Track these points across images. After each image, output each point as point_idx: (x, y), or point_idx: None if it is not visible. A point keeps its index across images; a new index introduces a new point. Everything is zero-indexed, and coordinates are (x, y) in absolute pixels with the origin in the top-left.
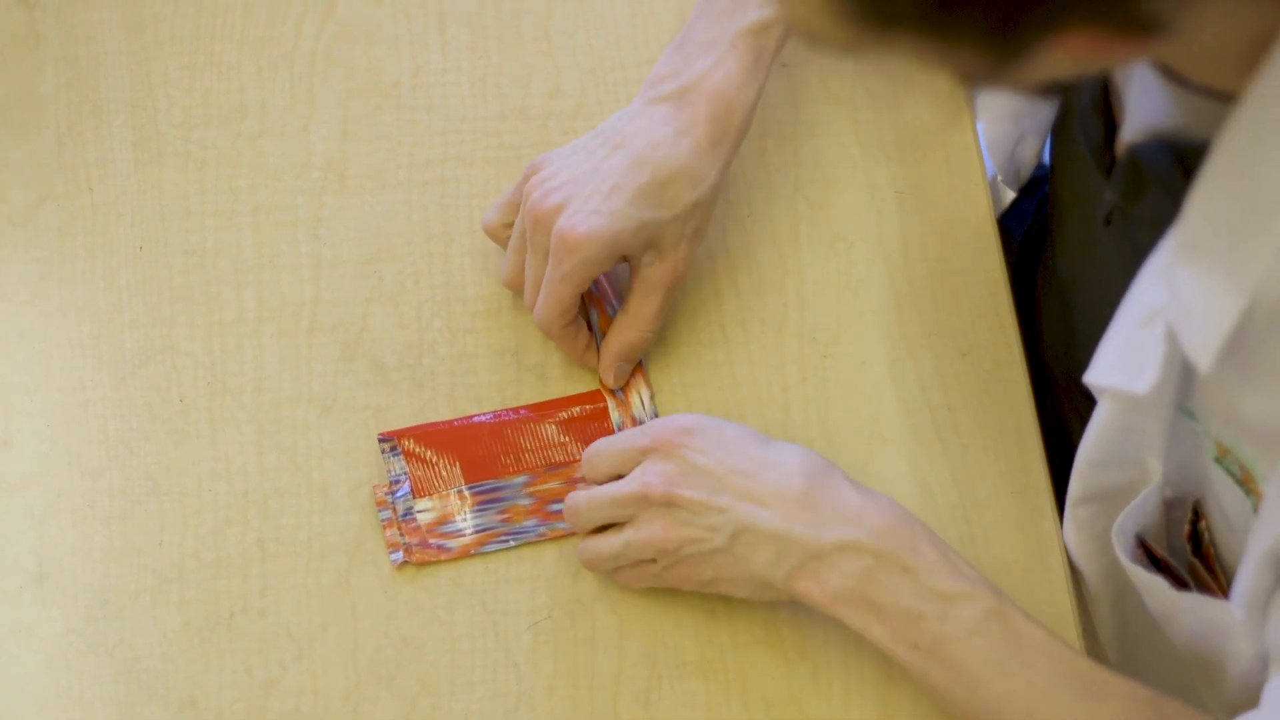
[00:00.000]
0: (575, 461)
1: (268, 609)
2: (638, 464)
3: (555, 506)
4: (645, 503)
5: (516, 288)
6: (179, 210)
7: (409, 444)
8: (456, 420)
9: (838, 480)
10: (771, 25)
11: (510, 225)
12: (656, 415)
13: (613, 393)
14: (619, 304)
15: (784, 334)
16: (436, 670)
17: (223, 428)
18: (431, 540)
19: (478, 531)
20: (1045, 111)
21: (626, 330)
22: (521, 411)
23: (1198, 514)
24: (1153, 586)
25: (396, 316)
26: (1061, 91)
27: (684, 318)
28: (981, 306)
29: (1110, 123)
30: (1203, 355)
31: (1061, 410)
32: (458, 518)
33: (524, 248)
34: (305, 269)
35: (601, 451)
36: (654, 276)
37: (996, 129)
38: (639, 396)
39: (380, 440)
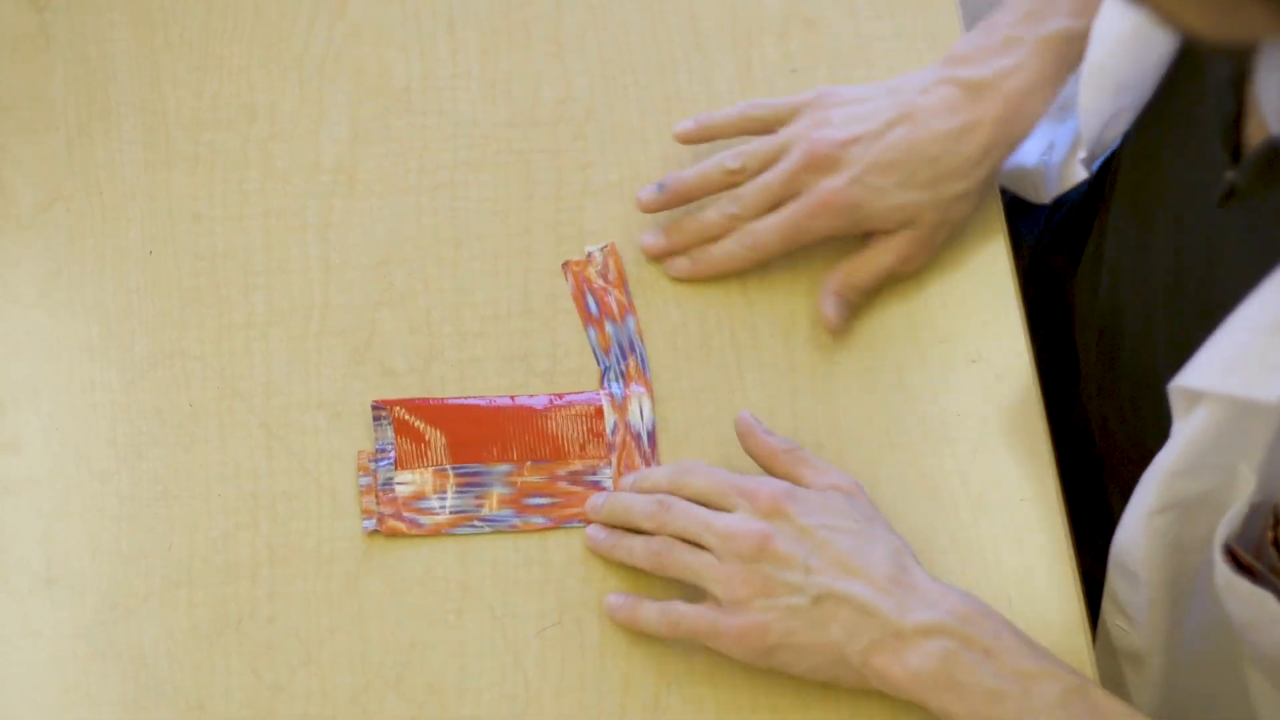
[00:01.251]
0: (561, 458)
1: (276, 613)
2: (731, 502)
3: (533, 500)
4: (733, 544)
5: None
6: (188, 213)
7: (400, 413)
8: (451, 399)
9: (920, 570)
10: (1079, 36)
11: (745, 128)
12: (654, 426)
13: (611, 397)
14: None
15: (793, 341)
16: (445, 674)
17: (232, 431)
18: (405, 514)
19: (453, 513)
20: (1146, 89)
21: (851, 269)
22: (517, 400)
23: (1277, 518)
24: (1252, 599)
25: (406, 321)
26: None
27: (693, 323)
28: (992, 313)
29: (1240, 101)
30: None
31: (1086, 416)
32: (435, 496)
33: (770, 154)
34: (315, 273)
35: (696, 471)
36: (895, 243)
37: (1095, 100)
38: (638, 405)
39: (374, 408)
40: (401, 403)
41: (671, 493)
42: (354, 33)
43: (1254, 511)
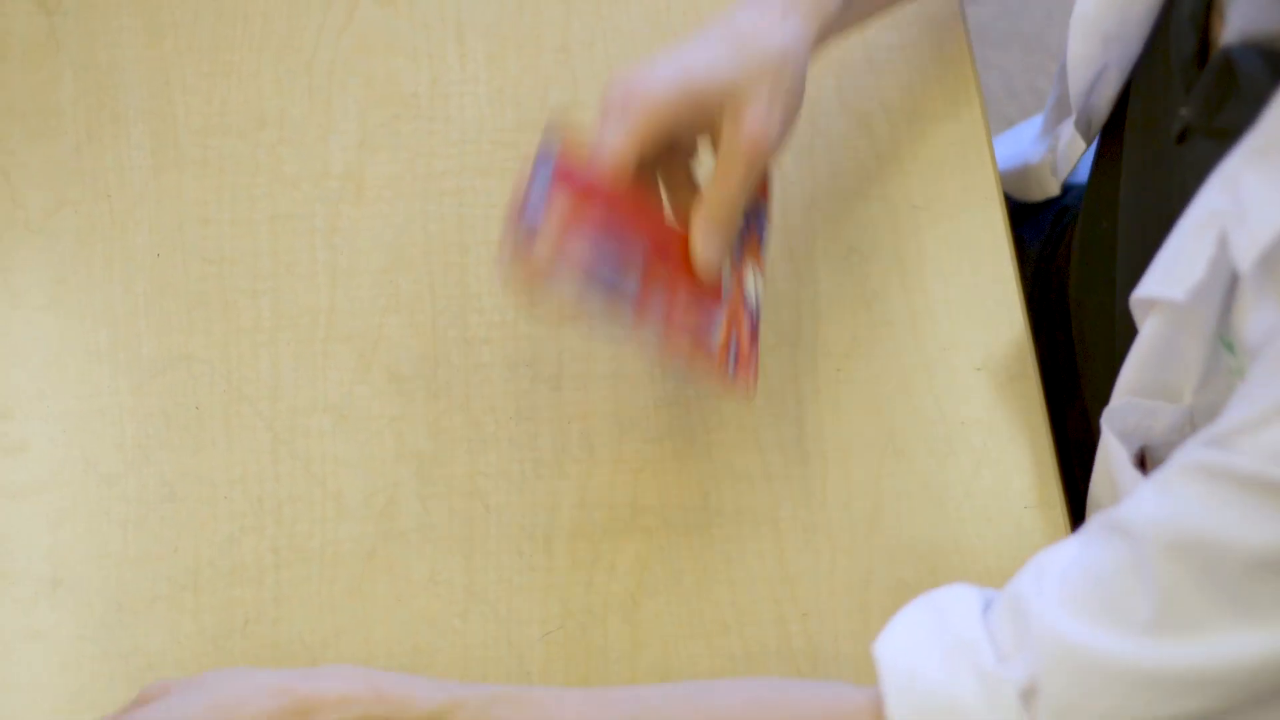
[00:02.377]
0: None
1: (281, 616)
2: None
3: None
4: None
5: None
6: (197, 218)
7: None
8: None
9: (280, 676)
10: None
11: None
12: (759, 309)
13: (731, 258)
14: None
15: (798, 347)
16: (449, 678)
17: (238, 435)
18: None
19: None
20: (1133, 42)
21: (707, 198)
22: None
23: None
24: (1118, 460)
25: (412, 326)
26: None
27: None
28: (996, 321)
29: (1204, 40)
30: (1247, 253)
31: (1089, 425)
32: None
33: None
34: (322, 278)
35: None
36: (733, 142)
37: (1083, 48)
38: (753, 276)
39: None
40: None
41: None
42: (362, 39)
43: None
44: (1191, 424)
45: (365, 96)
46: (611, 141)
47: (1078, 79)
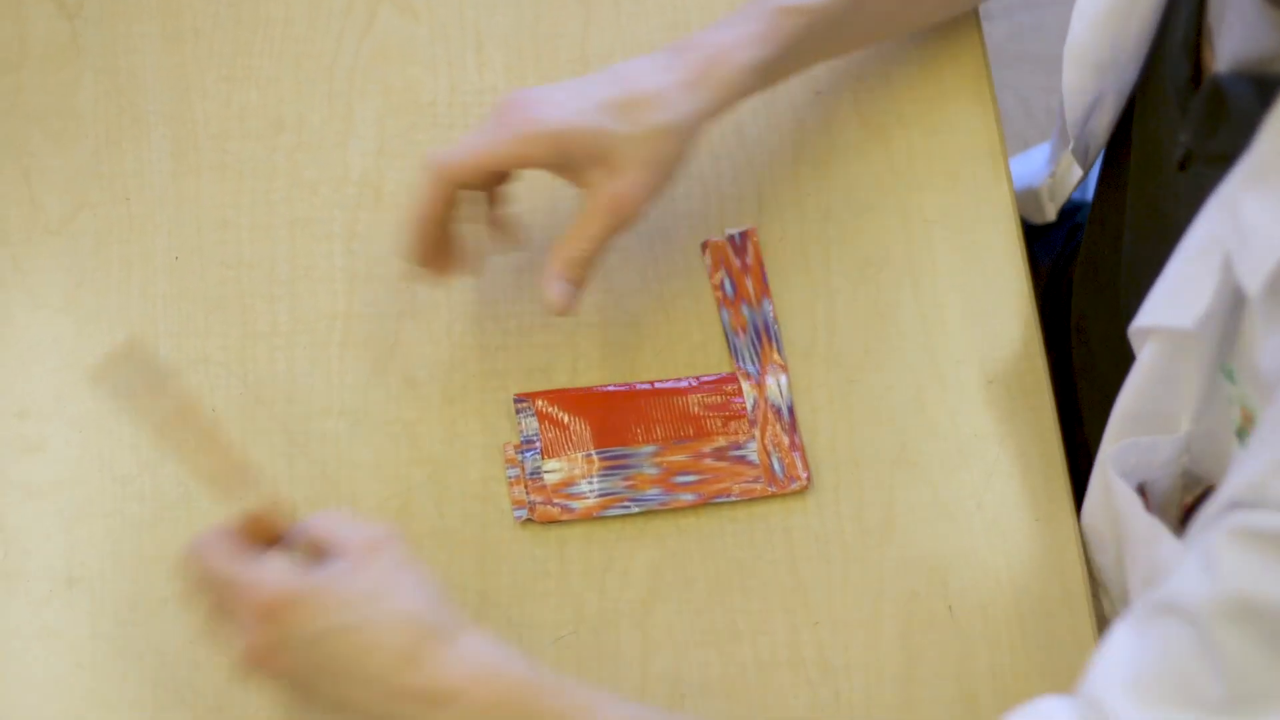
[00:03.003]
0: (705, 435)
1: None
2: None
3: (680, 478)
4: (253, 662)
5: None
6: (215, 221)
7: (542, 405)
8: (592, 387)
9: (433, 647)
10: (802, 10)
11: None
12: (792, 403)
13: (748, 375)
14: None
15: (812, 358)
16: None
17: (254, 438)
18: (556, 500)
19: (601, 495)
20: (1127, 70)
21: (564, 245)
22: (656, 384)
23: (1204, 497)
24: (1129, 505)
25: (428, 332)
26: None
27: (714, 340)
28: (1009, 335)
29: (1197, 67)
30: (1254, 278)
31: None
32: (583, 481)
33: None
34: (339, 283)
35: (193, 567)
36: (600, 197)
37: (1076, 78)
38: (776, 382)
39: (516, 401)
40: (543, 395)
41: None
42: (382, 47)
43: (1187, 481)
44: (1189, 452)
45: (384, 104)
46: (473, 143)
47: (1073, 107)
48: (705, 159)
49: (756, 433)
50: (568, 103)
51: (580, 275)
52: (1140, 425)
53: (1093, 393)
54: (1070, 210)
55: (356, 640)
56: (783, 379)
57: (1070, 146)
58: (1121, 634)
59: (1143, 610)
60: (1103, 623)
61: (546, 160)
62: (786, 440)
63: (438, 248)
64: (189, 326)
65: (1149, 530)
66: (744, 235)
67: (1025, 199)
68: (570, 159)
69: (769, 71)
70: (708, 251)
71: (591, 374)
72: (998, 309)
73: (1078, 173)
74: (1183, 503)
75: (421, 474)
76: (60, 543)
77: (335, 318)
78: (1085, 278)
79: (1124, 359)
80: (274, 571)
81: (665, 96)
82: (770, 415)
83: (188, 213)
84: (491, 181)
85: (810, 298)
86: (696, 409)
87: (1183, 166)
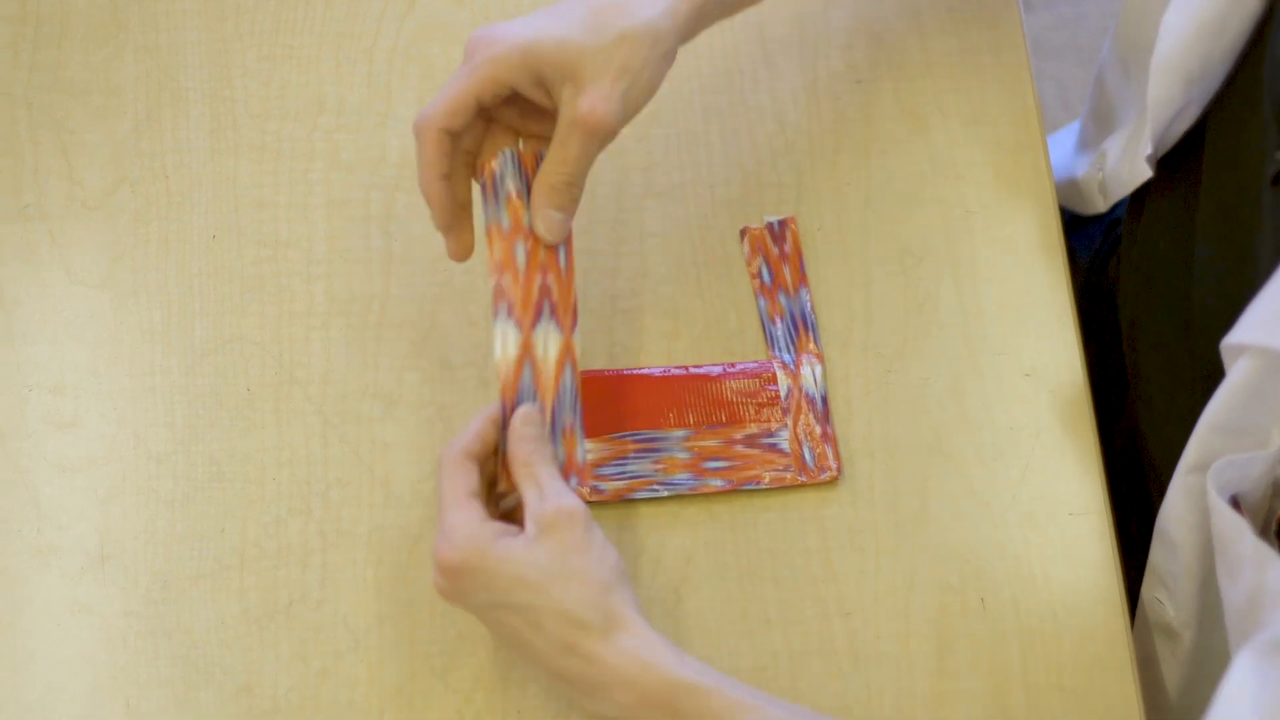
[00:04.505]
0: (738, 422)
1: (326, 599)
2: None
3: (710, 464)
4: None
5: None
6: (253, 201)
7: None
8: (626, 370)
9: (600, 633)
10: None
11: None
12: (827, 392)
13: (784, 364)
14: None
15: (849, 348)
16: (491, 666)
17: (288, 418)
18: (588, 481)
19: (631, 478)
20: (1215, 80)
21: (545, 173)
22: (691, 369)
23: None
24: (1233, 528)
25: (464, 315)
26: None
27: (751, 328)
28: (1047, 328)
29: None
30: None
31: (1137, 438)
32: (614, 463)
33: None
34: (376, 264)
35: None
36: (570, 114)
37: (1165, 92)
38: (811, 371)
39: None
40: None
41: None
42: (422, 29)
43: (1276, 484)
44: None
45: (424, 85)
46: (448, 86)
47: (1159, 118)
48: (745, 146)
49: (789, 421)
50: (533, 21)
51: (566, 201)
52: (1229, 438)
53: (1149, 388)
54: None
55: (520, 621)
56: (818, 368)
57: (1148, 154)
58: (1241, 673)
59: (1262, 649)
60: (1144, 621)
61: (519, 79)
62: (819, 430)
63: (458, 210)
64: (225, 305)
65: (1255, 553)
66: (783, 223)
67: (1067, 188)
68: (540, 76)
69: None
70: (746, 239)
71: (627, 359)
72: (1036, 302)
73: (1146, 173)
74: (1271, 509)
75: None
76: (93, 519)
77: (372, 299)
78: (1137, 281)
79: (1180, 365)
80: (464, 528)
81: (629, 3)
82: (804, 404)
83: (226, 191)
84: (479, 123)
85: (848, 287)
86: (730, 395)
87: (1275, 181)
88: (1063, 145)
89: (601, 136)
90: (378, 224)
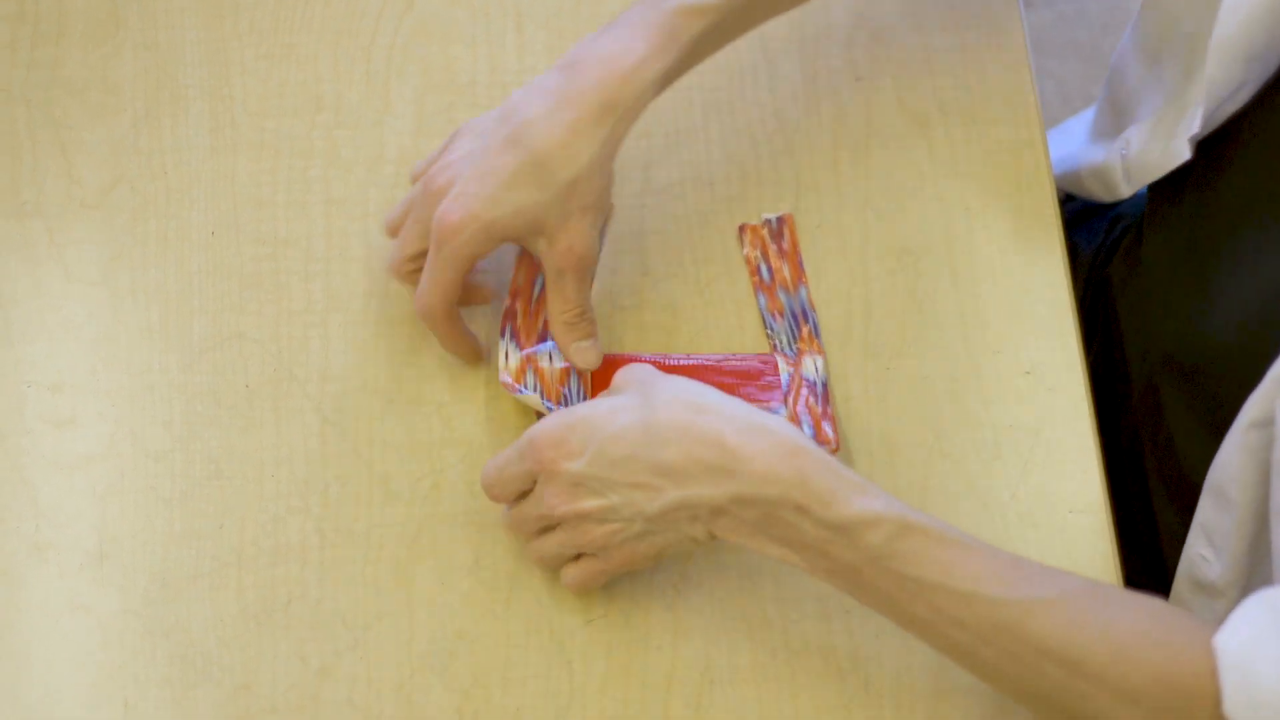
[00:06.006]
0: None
1: (324, 597)
2: (534, 481)
3: None
4: (559, 522)
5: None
6: (252, 198)
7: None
8: (622, 354)
9: (716, 425)
10: (704, 11)
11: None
12: (828, 380)
13: (785, 356)
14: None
15: (848, 345)
16: (490, 664)
17: (287, 415)
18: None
19: None
20: (1272, 62)
21: (556, 316)
22: (693, 358)
23: None
24: None
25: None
26: None
27: (751, 325)
28: (1046, 326)
29: None
30: None
31: (1135, 427)
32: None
33: (412, 219)
34: (375, 261)
35: (497, 479)
36: (552, 263)
37: (1224, 70)
38: (812, 362)
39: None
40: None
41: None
42: (422, 27)
43: None
44: None
45: (422, 83)
46: (434, 281)
47: (1213, 99)
48: (745, 144)
49: (789, 400)
50: (480, 193)
51: (585, 330)
52: None
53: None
54: (1110, 204)
55: (636, 440)
56: (819, 360)
57: (1192, 134)
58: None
59: None
60: (1182, 580)
61: (492, 248)
62: (820, 409)
63: (462, 337)
64: (224, 303)
65: None
66: (781, 220)
67: (1084, 177)
68: (508, 238)
69: (669, 79)
70: (745, 235)
71: (627, 354)
72: (1036, 300)
73: (1182, 156)
74: None
75: (454, 455)
76: (91, 517)
77: (370, 296)
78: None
79: (1215, 345)
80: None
81: (570, 147)
82: (803, 388)
83: (224, 189)
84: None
85: (848, 285)
86: (729, 380)
87: None
88: (1073, 134)
89: (589, 268)
90: (376, 221)
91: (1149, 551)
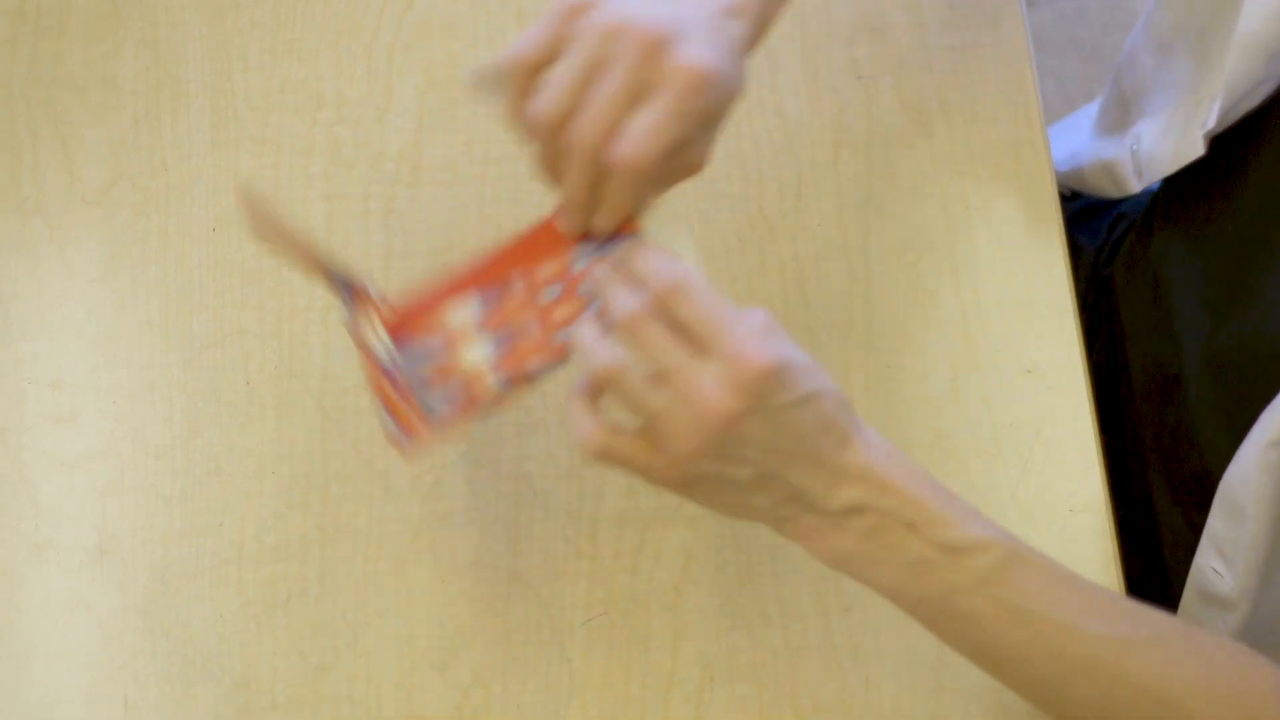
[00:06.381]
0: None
1: (324, 594)
2: (716, 345)
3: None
4: (701, 409)
5: (558, 124)
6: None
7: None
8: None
9: (849, 428)
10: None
11: (544, 64)
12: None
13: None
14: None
15: (849, 343)
16: (490, 661)
17: (287, 412)
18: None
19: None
20: None
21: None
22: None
23: None
24: None
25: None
26: None
27: None
28: (1047, 324)
29: None
30: None
31: (1136, 424)
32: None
33: (585, 78)
34: (375, 258)
35: (689, 292)
36: (691, 155)
37: (1246, 65)
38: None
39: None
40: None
41: (661, 304)
42: (423, 23)
43: None
44: None
45: (424, 79)
46: (649, 135)
47: (1232, 94)
48: (745, 140)
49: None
50: (717, 44)
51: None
52: None
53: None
54: (1111, 203)
55: (800, 409)
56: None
57: (1207, 129)
58: None
59: None
60: (1193, 590)
61: (711, 113)
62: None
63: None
64: (225, 298)
65: None
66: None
67: (1094, 172)
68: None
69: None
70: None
71: None
72: (1037, 298)
73: (1196, 151)
74: None
75: (454, 452)
76: (92, 514)
77: None
78: (1169, 242)
79: (1238, 345)
80: (761, 335)
81: (741, 54)
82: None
83: (225, 185)
84: None
85: (848, 283)
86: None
87: None
88: (1077, 129)
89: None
90: (377, 218)
91: (1150, 551)
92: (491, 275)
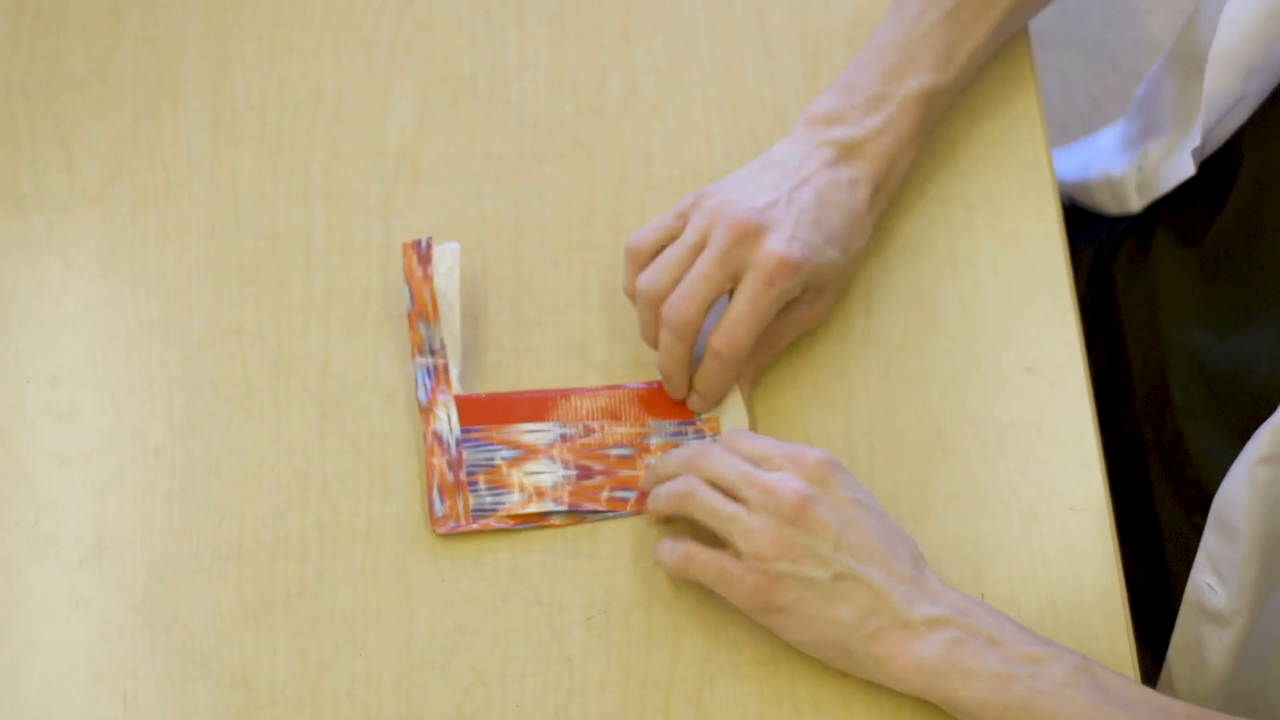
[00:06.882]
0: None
1: (324, 592)
2: (775, 464)
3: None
4: (773, 500)
5: (657, 300)
6: (252, 192)
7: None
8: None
9: (927, 568)
10: (942, 92)
11: (660, 248)
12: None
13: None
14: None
15: (849, 342)
16: (490, 660)
17: (286, 410)
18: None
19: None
20: (1273, 74)
21: (756, 357)
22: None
23: None
24: None
25: (463, 308)
26: None
27: None
28: (1048, 323)
29: None
30: None
31: (1136, 424)
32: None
33: (688, 261)
34: (375, 256)
35: (742, 434)
36: (801, 315)
37: (1223, 84)
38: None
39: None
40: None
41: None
42: (424, 20)
43: None
44: None
45: (424, 77)
46: (739, 324)
47: (1212, 112)
48: (746, 139)
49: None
50: (810, 240)
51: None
52: None
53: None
54: None
55: (879, 519)
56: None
57: (1194, 146)
58: None
59: None
60: (1190, 605)
61: (792, 295)
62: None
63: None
64: (224, 296)
65: None
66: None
67: (1095, 189)
68: (808, 285)
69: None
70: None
71: (626, 352)
72: (1038, 296)
73: (1190, 170)
74: None
75: None
76: (91, 511)
77: (371, 291)
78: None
79: (1230, 354)
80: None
81: (862, 221)
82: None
83: (224, 183)
84: None
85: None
86: (630, 404)
87: None
88: (1099, 147)
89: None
90: (377, 216)
91: (1150, 550)
92: (575, 414)
